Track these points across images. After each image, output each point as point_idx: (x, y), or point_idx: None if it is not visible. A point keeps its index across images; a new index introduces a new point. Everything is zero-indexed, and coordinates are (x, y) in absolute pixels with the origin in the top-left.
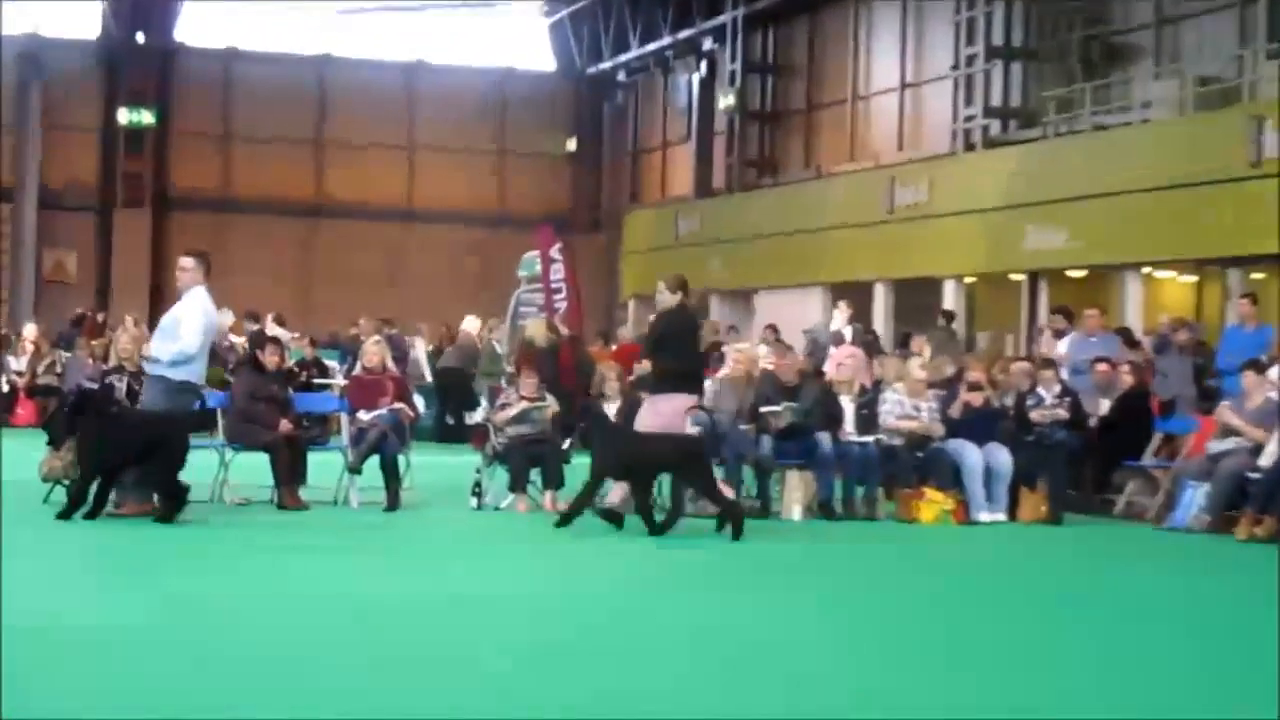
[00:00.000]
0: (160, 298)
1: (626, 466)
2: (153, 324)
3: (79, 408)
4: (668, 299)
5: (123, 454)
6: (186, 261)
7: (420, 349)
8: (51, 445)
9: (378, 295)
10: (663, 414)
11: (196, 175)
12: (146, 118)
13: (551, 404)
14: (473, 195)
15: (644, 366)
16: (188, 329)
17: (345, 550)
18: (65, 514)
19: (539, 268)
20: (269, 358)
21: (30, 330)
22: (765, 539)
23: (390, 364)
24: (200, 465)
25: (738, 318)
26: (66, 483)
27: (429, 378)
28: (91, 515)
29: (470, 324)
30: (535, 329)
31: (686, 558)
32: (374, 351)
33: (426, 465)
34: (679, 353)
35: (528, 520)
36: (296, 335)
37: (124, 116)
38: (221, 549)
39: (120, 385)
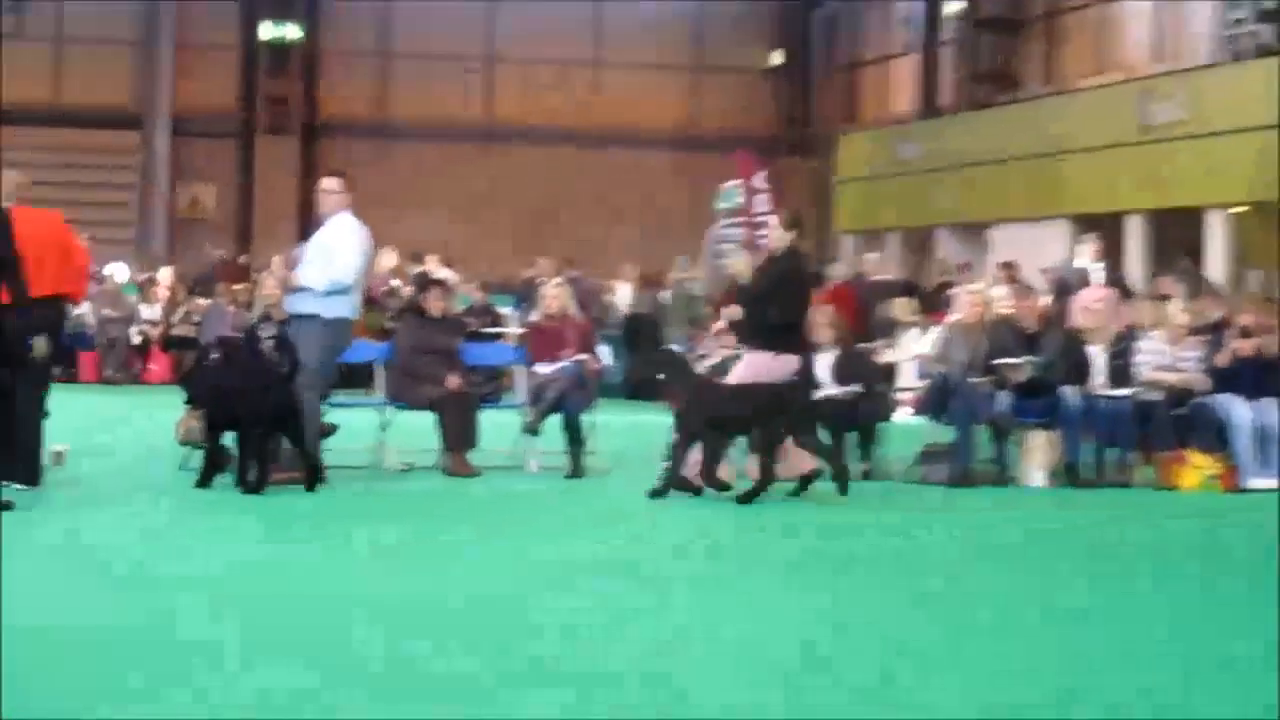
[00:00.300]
0: (312, 232)
1: (714, 423)
2: None
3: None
4: (780, 238)
5: (251, 412)
6: (330, 183)
7: (622, 293)
8: (189, 404)
9: (556, 230)
10: (761, 374)
11: (349, 98)
12: (292, 33)
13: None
14: (663, 117)
15: (731, 312)
16: (342, 254)
17: (517, 523)
18: (202, 480)
19: (740, 199)
20: (434, 304)
21: (165, 275)
22: (1003, 508)
23: (574, 309)
24: (358, 425)
25: (969, 255)
26: (206, 446)
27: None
28: (251, 487)
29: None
30: (741, 267)
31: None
32: (554, 295)
33: (614, 426)
34: (786, 305)
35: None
36: (465, 278)
37: (267, 32)
38: (377, 520)
39: (267, 336)
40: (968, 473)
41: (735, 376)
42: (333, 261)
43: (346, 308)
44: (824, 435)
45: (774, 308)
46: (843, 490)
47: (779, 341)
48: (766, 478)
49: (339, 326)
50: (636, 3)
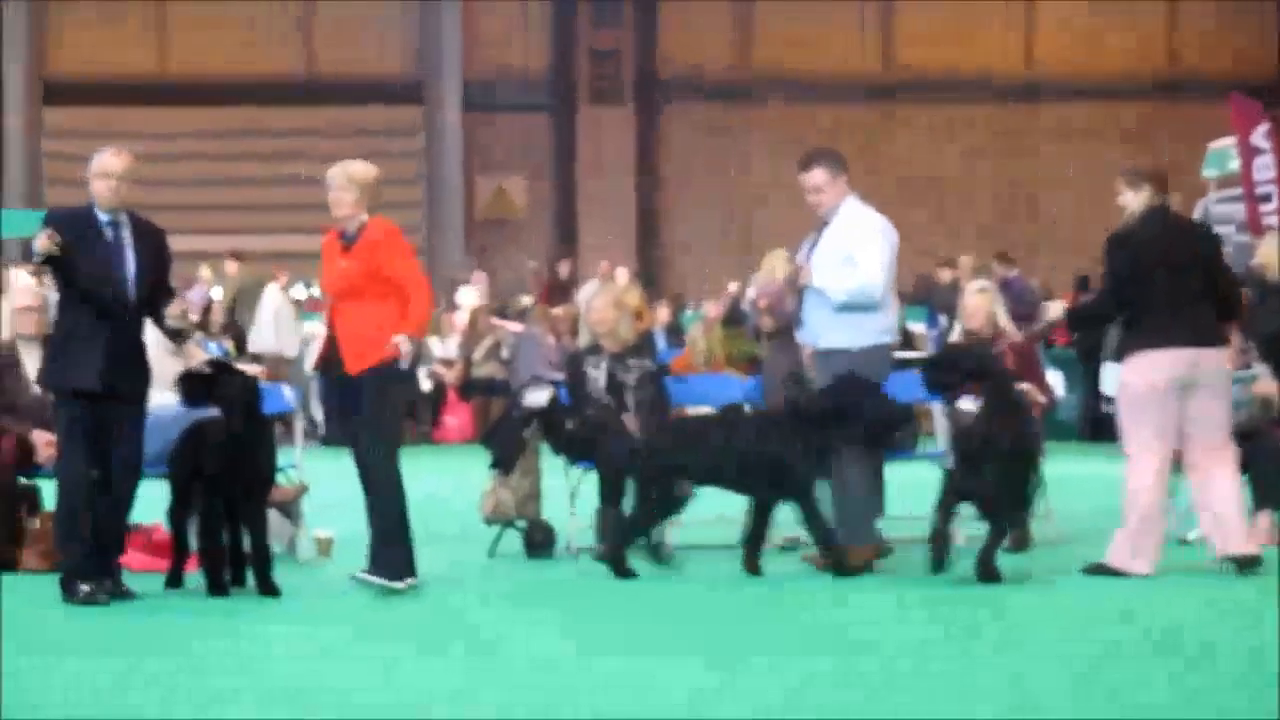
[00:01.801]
0: (654, 237)
1: None
2: (647, 278)
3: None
4: (1130, 201)
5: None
6: (817, 177)
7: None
8: (498, 469)
9: (975, 215)
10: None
11: (701, 47)
12: None
13: (1265, 375)
14: (1125, 55)
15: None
16: (867, 254)
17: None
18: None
19: (1236, 163)
20: None
21: (468, 297)
22: None
23: (1006, 323)
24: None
25: None
26: (521, 524)
27: None
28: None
29: None
30: (1270, 254)
31: None
32: (978, 305)
33: (1071, 480)
34: (1150, 288)
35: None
36: None
37: None
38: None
39: (596, 374)
40: None
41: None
42: (853, 266)
43: (883, 329)
44: None
45: (1135, 295)
46: None
47: (1151, 338)
48: None
49: (877, 357)
50: None
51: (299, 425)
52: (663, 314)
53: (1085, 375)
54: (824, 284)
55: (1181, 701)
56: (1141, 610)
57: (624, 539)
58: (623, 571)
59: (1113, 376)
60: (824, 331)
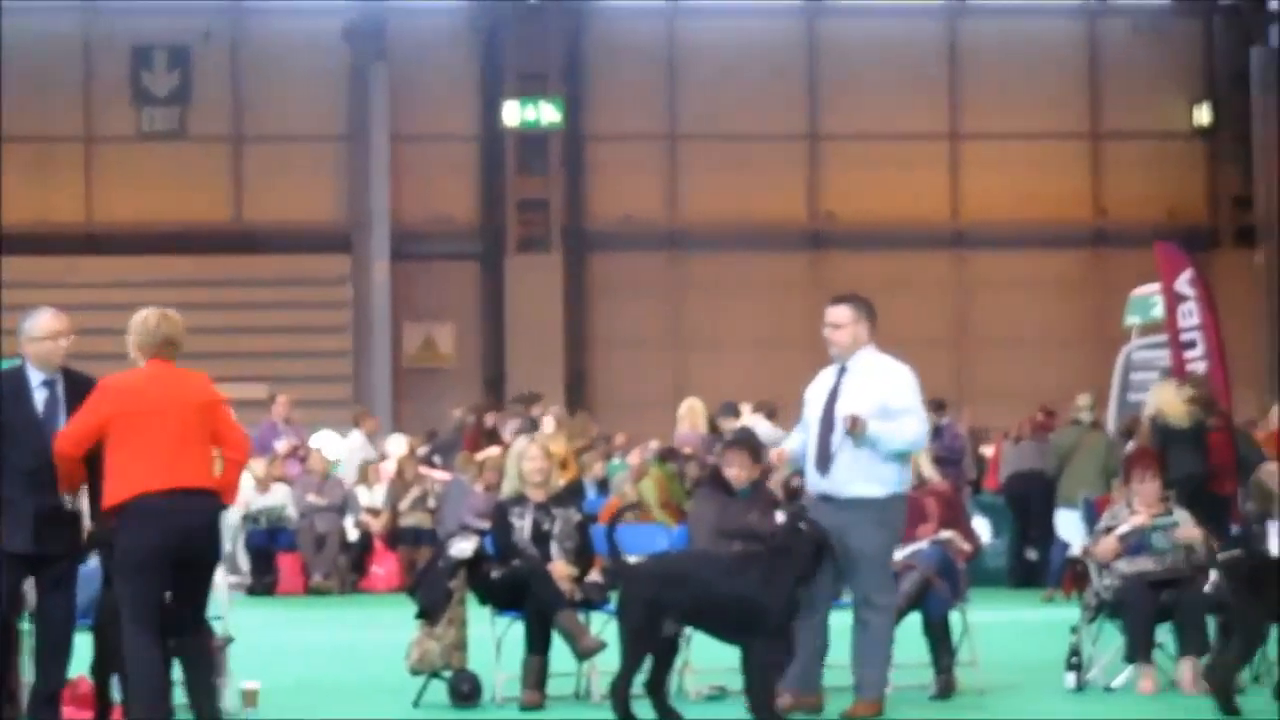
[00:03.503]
0: (584, 384)
1: None
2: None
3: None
4: None
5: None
6: (840, 314)
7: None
8: (424, 618)
9: (918, 361)
10: None
11: (629, 197)
12: (549, 115)
13: (1185, 521)
14: (1051, 203)
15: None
16: (907, 404)
17: None
18: None
19: (1158, 310)
20: (737, 470)
21: (396, 445)
22: None
23: (931, 471)
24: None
25: None
26: (448, 675)
27: None
28: None
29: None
30: (1167, 400)
31: None
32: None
33: (995, 626)
34: None
35: (1159, 707)
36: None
37: (513, 115)
38: None
39: (522, 524)
40: None
41: None
42: (892, 416)
43: (905, 480)
44: None
45: None
46: None
47: None
48: None
49: (895, 507)
50: (1008, 46)
51: (222, 574)
52: (597, 467)
53: (1013, 521)
54: (879, 432)
55: None
56: None
57: (624, 684)
58: (627, 718)
59: (1069, 522)
60: (853, 480)
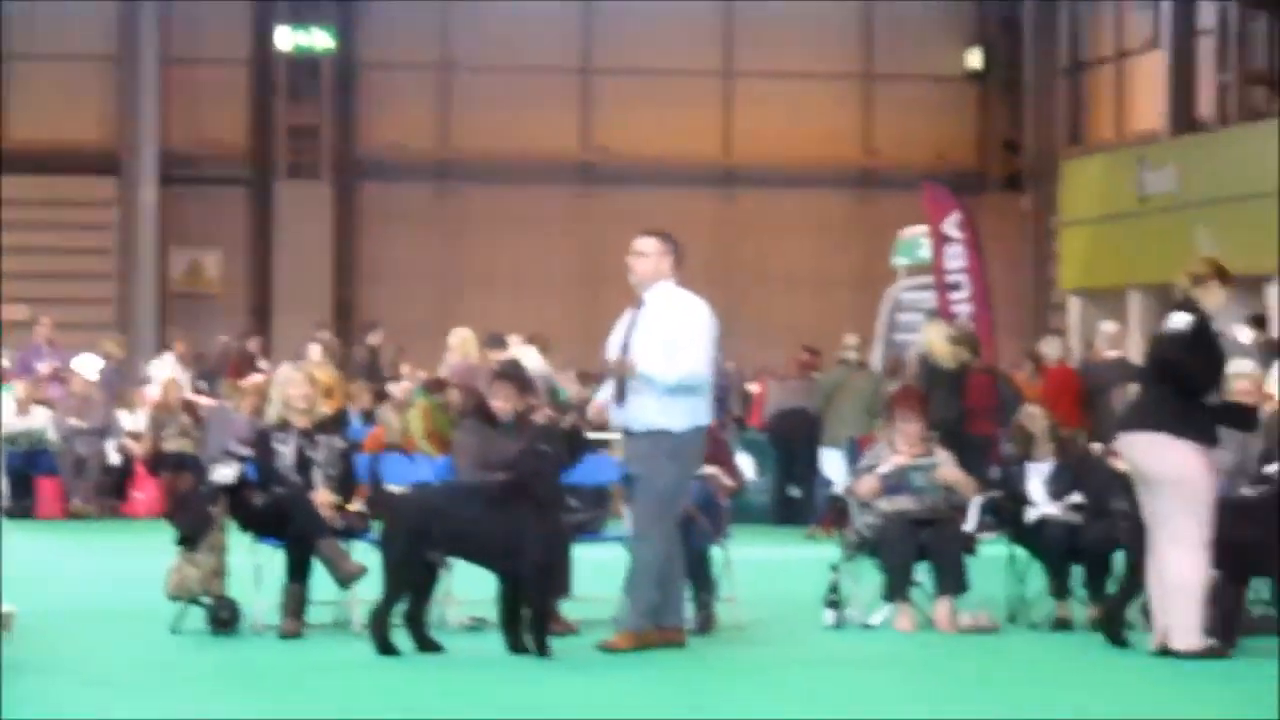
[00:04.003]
0: (350, 313)
1: None
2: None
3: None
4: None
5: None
6: (646, 244)
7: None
8: (183, 544)
9: None
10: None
11: (400, 126)
12: (321, 40)
13: (945, 461)
14: (822, 142)
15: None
16: (691, 340)
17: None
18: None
19: (926, 251)
20: (501, 402)
21: (159, 370)
22: None
23: None
24: None
25: (1239, 317)
26: (207, 602)
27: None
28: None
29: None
30: (936, 341)
31: None
32: None
33: (759, 562)
34: (1187, 379)
35: (914, 645)
36: (561, 367)
37: (285, 41)
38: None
39: (285, 450)
40: (1242, 622)
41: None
42: (675, 350)
43: (700, 412)
44: (1039, 567)
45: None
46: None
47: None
48: None
49: (694, 440)
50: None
51: None
52: (364, 397)
53: (777, 459)
54: (650, 370)
55: None
56: None
57: (384, 613)
58: (385, 648)
59: (833, 461)
60: (646, 415)
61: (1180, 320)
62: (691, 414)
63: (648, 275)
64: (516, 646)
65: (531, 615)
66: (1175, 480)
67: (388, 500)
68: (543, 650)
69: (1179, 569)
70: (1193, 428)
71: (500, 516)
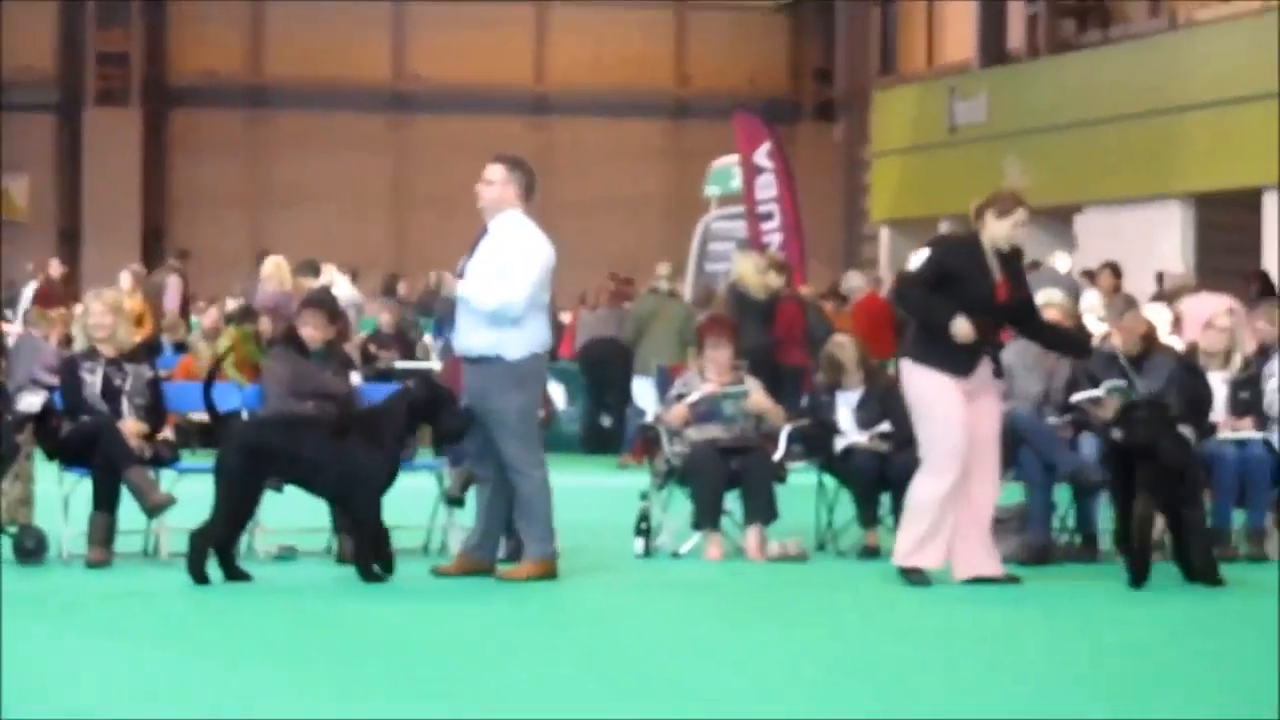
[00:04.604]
0: (159, 240)
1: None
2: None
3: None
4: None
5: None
6: (494, 171)
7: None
8: None
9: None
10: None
11: (211, 52)
12: None
13: (755, 390)
14: (635, 70)
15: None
16: (522, 265)
17: (436, 639)
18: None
19: (737, 181)
20: (312, 330)
21: None
22: (1098, 596)
23: None
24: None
25: (1050, 247)
26: (13, 531)
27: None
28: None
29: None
30: (747, 270)
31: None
32: None
33: (570, 491)
34: (914, 312)
35: (724, 573)
36: (371, 294)
37: None
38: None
39: (93, 379)
40: (1046, 546)
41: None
42: (503, 275)
43: (536, 340)
44: (848, 495)
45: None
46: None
47: (934, 355)
48: None
49: (532, 366)
50: None
51: None
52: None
53: (588, 388)
54: (468, 293)
55: None
56: None
57: (206, 541)
58: (200, 577)
59: (645, 390)
60: (476, 340)
61: (917, 256)
62: (528, 341)
63: (493, 202)
64: (368, 575)
65: (369, 539)
66: (914, 403)
67: (226, 425)
68: (389, 568)
69: (912, 488)
70: (934, 355)
71: (342, 444)
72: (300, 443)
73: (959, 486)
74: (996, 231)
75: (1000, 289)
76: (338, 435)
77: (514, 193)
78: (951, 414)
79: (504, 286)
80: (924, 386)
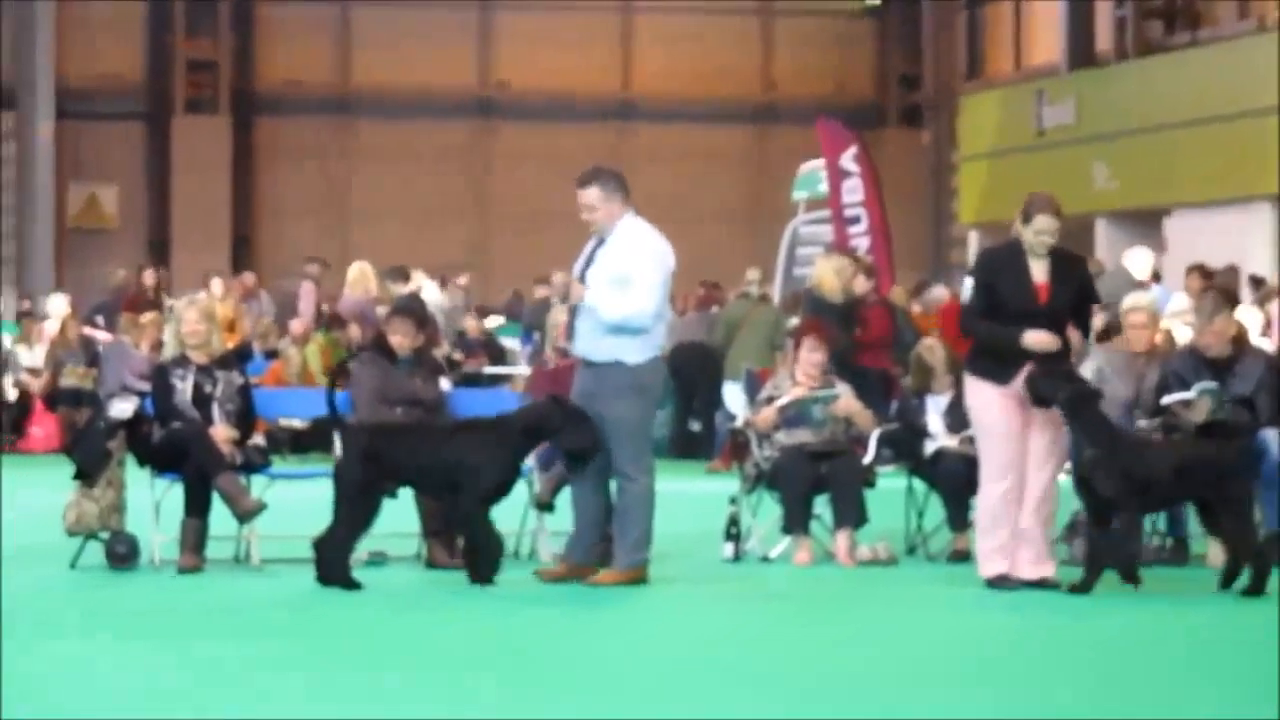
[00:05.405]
0: (249, 248)
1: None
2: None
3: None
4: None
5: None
6: (590, 195)
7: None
8: (81, 480)
9: (577, 234)
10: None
11: (300, 61)
12: None
13: (846, 394)
14: (721, 77)
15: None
16: (640, 278)
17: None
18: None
19: (824, 185)
20: (400, 337)
21: (56, 305)
22: (1190, 602)
23: None
24: (312, 502)
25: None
26: (105, 537)
27: None
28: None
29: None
30: (826, 275)
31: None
32: (567, 323)
33: (659, 496)
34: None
35: (813, 578)
36: (461, 302)
37: None
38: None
39: (183, 385)
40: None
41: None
42: (626, 285)
43: (655, 344)
44: (938, 499)
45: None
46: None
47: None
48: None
49: (652, 371)
50: None
51: None
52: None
53: (677, 393)
54: (595, 303)
55: None
56: None
57: (340, 551)
58: (349, 584)
59: (735, 395)
60: (597, 346)
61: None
62: (647, 346)
63: (604, 221)
64: (477, 578)
65: (480, 543)
66: (969, 414)
67: (345, 429)
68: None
69: (978, 500)
70: (981, 367)
71: (457, 449)
72: (417, 450)
73: (1017, 490)
74: (1026, 236)
75: (1041, 291)
76: (453, 441)
77: (618, 203)
78: (998, 423)
79: (631, 297)
80: (975, 398)
